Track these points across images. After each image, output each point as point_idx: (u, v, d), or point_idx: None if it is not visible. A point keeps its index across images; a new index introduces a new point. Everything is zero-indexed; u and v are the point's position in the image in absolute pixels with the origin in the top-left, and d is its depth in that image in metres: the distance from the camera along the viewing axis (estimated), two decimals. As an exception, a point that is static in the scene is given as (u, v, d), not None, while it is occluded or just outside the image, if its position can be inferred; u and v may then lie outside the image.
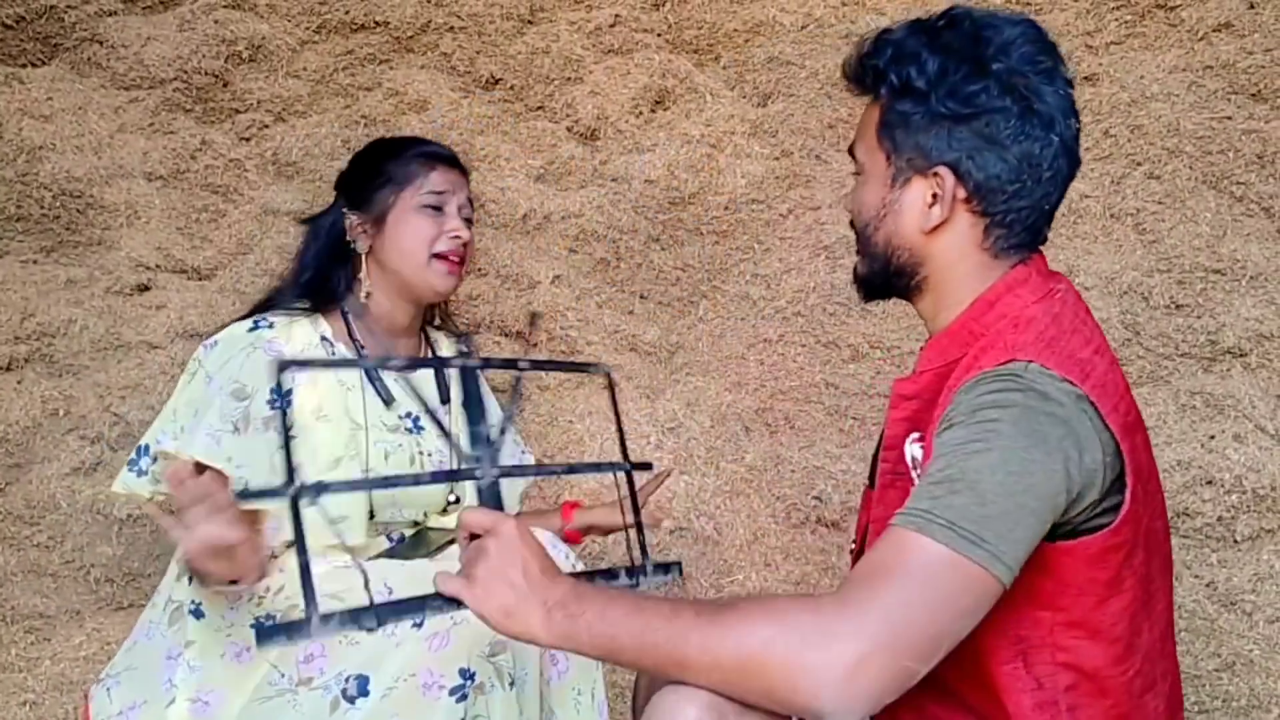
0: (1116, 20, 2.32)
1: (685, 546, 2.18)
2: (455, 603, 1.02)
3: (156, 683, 1.45)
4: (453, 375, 1.73)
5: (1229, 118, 2.24)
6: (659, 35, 2.43)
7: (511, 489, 1.72)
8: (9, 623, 1.99)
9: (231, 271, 2.30)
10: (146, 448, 1.54)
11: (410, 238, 1.59)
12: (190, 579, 1.52)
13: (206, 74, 2.32)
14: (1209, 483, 2.10)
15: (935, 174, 1.12)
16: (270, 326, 1.53)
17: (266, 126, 2.37)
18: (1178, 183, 2.25)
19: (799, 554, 2.20)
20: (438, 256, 1.59)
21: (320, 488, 0.97)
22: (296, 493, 0.95)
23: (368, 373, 1.56)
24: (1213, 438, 2.13)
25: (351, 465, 1.53)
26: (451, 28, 2.39)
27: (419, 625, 1.36)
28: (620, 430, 1.26)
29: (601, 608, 0.98)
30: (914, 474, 1.11)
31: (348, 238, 1.62)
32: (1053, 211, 1.15)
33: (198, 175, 2.34)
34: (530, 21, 2.41)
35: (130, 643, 1.55)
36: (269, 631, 0.95)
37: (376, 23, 2.37)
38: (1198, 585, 2.09)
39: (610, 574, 1.17)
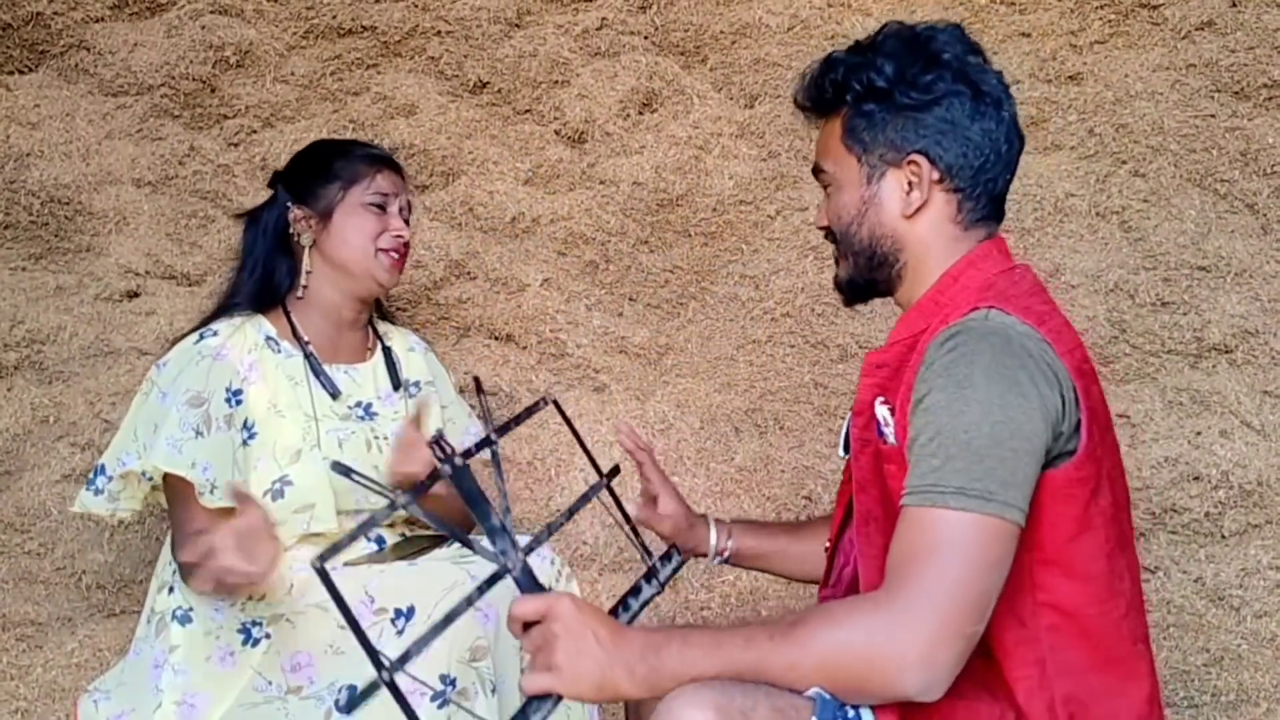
0: (1100, 19, 2.33)
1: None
2: (554, 699, 1.03)
3: (144, 690, 1.47)
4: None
5: (1212, 116, 2.25)
6: (646, 38, 2.43)
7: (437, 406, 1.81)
8: (0, 630, 1.99)
9: (221, 277, 2.30)
10: (104, 468, 1.58)
11: (356, 232, 1.67)
12: (171, 589, 1.54)
13: (194, 80, 2.32)
14: (1196, 478, 2.11)
15: (910, 162, 1.21)
16: (215, 334, 1.62)
17: (255, 132, 2.37)
18: (1162, 180, 2.27)
19: (789, 553, 2.21)
20: (382, 251, 1.68)
21: (404, 658, 0.95)
22: (391, 673, 0.93)
23: (312, 367, 1.65)
24: (1199, 434, 2.14)
25: (312, 455, 1.59)
26: (439, 32, 2.39)
27: (400, 633, 1.38)
28: (584, 447, 1.32)
29: (678, 652, 1.04)
30: (884, 430, 1.17)
31: (291, 230, 1.70)
32: (1008, 186, 1.25)
33: (186, 181, 2.34)
34: (517, 25, 2.41)
35: (124, 662, 1.57)
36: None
37: (364, 27, 2.37)
38: (1186, 580, 2.10)
39: (635, 591, 1.23)
